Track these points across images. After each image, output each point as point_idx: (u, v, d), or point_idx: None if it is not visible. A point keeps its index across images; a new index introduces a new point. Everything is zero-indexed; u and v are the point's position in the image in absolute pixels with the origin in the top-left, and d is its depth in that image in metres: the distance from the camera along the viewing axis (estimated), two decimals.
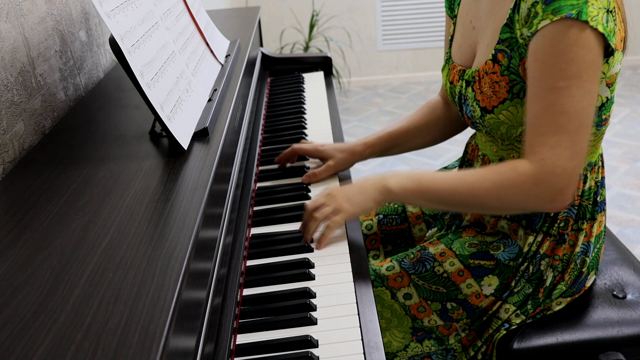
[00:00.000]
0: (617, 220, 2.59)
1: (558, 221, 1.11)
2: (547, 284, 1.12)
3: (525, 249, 1.12)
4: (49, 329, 0.58)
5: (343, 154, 1.29)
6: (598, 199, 1.14)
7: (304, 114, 1.63)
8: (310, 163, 1.36)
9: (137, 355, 0.54)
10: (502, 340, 1.13)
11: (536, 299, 1.13)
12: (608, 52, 0.96)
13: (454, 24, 1.20)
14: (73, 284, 0.64)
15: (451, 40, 1.21)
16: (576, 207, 1.11)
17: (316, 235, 1.07)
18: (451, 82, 1.17)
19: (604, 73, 0.99)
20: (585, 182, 1.11)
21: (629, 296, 1.19)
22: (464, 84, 1.12)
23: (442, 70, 1.21)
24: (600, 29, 0.92)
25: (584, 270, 1.15)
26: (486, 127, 1.10)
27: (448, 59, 1.20)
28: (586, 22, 0.91)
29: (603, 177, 1.16)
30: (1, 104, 0.97)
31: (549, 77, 0.94)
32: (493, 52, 1.04)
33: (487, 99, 1.06)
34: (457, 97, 1.15)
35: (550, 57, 0.93)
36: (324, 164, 1.29)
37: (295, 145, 1.32)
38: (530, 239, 1.12)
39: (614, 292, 1.20)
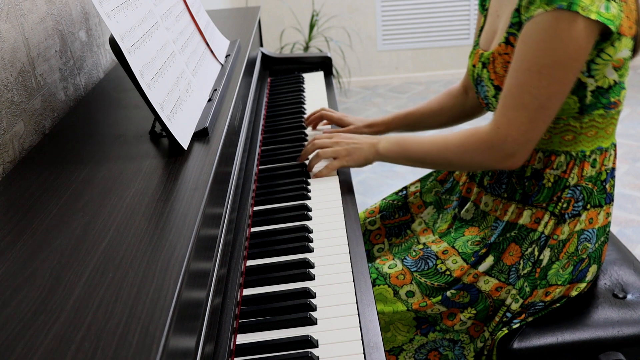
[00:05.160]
0: (617, 220, 2.59)
1: (562, 201, 1.14)
2: (544, 263, 1.14)
3: (522, 221, 1.16)
4: (49, 329, 0.58)
5: (362, 123, 1.49)
6: (607, 187, 1.16)
7: (304, 114, 1.63)
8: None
9: (137, 355, 0.54)
10: (502, 340, 1.13)
11: (532, 279, 1.14)
12: (612, 36, 1.01)
13: (485, 16, 1.27)
14: (73, 284, 0.64)
15: (481, 30, 1.28)
16: (579, 189, 1.14)
17: (315, 170, 1.29)
18: (474, 66, 1.23)
19: (609, 55, 1.04)
20: (593, 166, 1.14)
21: (629, 296, 1.19)
22: (480, 66, 1.19)
23: (469, 57, 1.29)
24: (594, 16, 0.96)
25: (584, 257, 1.16)
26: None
27: (475, 45, 1.28)
28: (577, 12, 0.96)
29: (614, 168, 1.18)
30: (1, 104, 0.97)
31: (527, 60, 1.03)
32: (506, 34, 1.11)
33: (500, 78, 1.13)
34: (475, 78, 1.22)
35: (534, 42, 1.01)
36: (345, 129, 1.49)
37: (324, 112, 1.51)
38: (527, 212, 1.16)
39: (614, 292, 1.20)
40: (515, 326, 1.13)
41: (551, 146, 1.14)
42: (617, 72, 1.07)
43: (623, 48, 1.04)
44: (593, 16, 0.96)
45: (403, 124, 1.47)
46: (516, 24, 1.09)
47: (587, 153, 1.13)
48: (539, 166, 1.16)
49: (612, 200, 1.19)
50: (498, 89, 1.14)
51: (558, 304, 1.17)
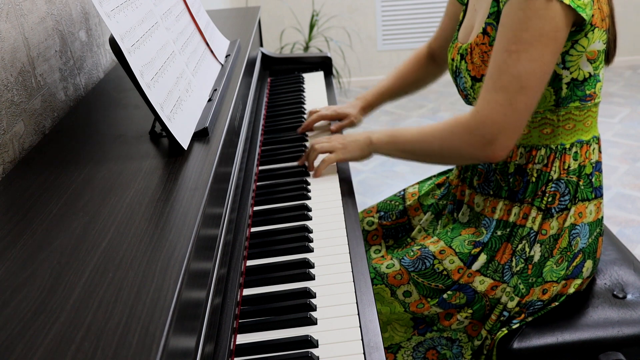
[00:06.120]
0: (617, 220, 2.59)
1: (546, 195, 1.15)
2: (536, 259, 1.14)
3: (512, 219, 1.16)
4: (49, 329, 0.58)
5: (355, 109, 1.56)
6: (593, 181, 1.17)
7: (304, 114, 1.63)
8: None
9: (137, 355, 0.54)
10: (502, 340, 1.13)
11: (526, 276, 1.14)
12: (585, 27, 1.03)
13: (464, 11, 1.27)
14: (73, 284, 0.64)
15: (460, 24, 1.29)
16: (563, 182, 1.15)
17: (315, 164, 1.31)
18: (452, 59, 1.24)
19: (583, 47, 1.06)
20: (575, 159, 1.15)
21: (629, 296, 1.19)
22: (459, 58, 1.20)
23: (448, 51, 1.29)
24: (567, 1, 0.98)
25: (575, 250, 1.16)
26: (476, 97, 1.15)
27: (454, 40, 1.28)
28: None
29: (599, 162, 1.19)
30: (1, 104, 0.97)
31: (505, 40, 1.03)
32: (483, 25, 1.13)
33: (477, 68, 1.14)
34: (454, 71, 1.23)
35: (512, 22, 1.02)
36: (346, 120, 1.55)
37: (322, 113, 1.53)
38: (515, 209, 1.17)
39: (614, 292, 1.20)
40: (514, 326, 1.13)
41: (531, 141, 1.15)
42: (591, 64, 1.09)
43: (596, 40, 1.06)
44: (566, 1, 0.98)
45: (384, 99, 1.58)
46: (494, 13, 1.10)
47: (567, 146, 1.14)
48: (521, 162, 1.17)
49: (602, 195, 1.20)
50: (475, 79, 1.16)
51: (557, 303, 1.17)
